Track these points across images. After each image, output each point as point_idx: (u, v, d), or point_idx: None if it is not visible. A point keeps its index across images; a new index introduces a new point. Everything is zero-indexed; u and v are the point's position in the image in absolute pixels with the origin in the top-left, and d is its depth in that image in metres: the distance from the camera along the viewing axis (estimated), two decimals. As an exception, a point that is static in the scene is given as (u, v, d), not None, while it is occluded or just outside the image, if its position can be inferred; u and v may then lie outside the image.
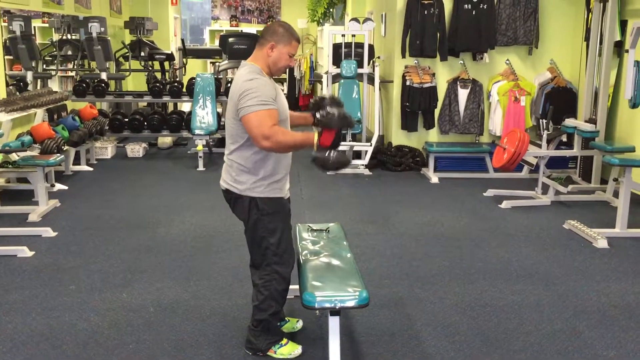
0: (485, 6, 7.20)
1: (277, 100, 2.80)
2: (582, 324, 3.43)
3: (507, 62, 7.35)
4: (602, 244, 4.71)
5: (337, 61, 7.70)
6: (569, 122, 6.35)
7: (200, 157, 7.42)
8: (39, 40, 8.86)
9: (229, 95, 2.88)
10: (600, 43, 6.35)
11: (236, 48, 8.70)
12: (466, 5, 7.22)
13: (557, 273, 4.20)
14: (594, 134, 6.11)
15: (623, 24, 6.36)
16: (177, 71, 10.46)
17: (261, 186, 2.87)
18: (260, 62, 2.86)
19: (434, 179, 6.91)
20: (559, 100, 7.05)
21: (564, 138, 6.93)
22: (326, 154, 2.75)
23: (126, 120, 8.33)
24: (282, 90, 3.09)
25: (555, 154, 6.49)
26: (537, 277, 4.12)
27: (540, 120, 6.74)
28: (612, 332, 3.34)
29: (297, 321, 3.35)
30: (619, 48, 6.40)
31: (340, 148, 2.82)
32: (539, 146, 6.10)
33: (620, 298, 3.79)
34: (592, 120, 6.34)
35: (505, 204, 5.84)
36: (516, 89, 7.23)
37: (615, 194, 5.64)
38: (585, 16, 7.04)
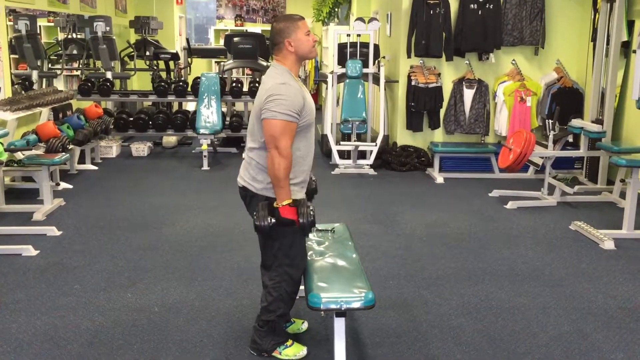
0: (491, 6, 7.17)
1: (305, 107, 2.78)
2: (589, 326, 3.41)
3: (513, 62, 7.32)
4: (609, 245, 4.68)
5: (342, 61, 7.68)
6: (575, 122, 6.32)
7: (205, 156, 7.41)
8: (44, 39, 8.86)
9: (257, 94, 2.86)
10: (607, 43, 6.32)
11: (241, 47, 8.70)
12: (472, 5, 7.20)
13: (563, 275, 4.17)
14: (601, 135, 6.08)
15: (630, 24, 6.32)
16: (182, 70, 10.46)
17: None
18: (287, 62, 2.83)
19: (439, 179, 6.89)
20: (565, 100, 7.01)
21: (570, 138, 6.90)
22: (268, 217, 2.74)
23: (131, 119, 8.33)
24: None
25: (562, 154, 6.46)
26: (543, 279, 4.09)
27: (547, 120, 6.71)
28: (620, 335, 3.32)
29: (303, 322, 3.33)
30: (626, 48, 6.36)
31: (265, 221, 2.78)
32: (545, 147, 6.07)
33: (628, 300, 3.77)
34: (598, 121, 6.31)
35: (510, 205, 5.81)
36: (522, 89, 7.20)
37: (622, 195, 5.60)
38: (592, 16, 7.00)
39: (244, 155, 2.98)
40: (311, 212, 2.77)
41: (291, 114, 2.71)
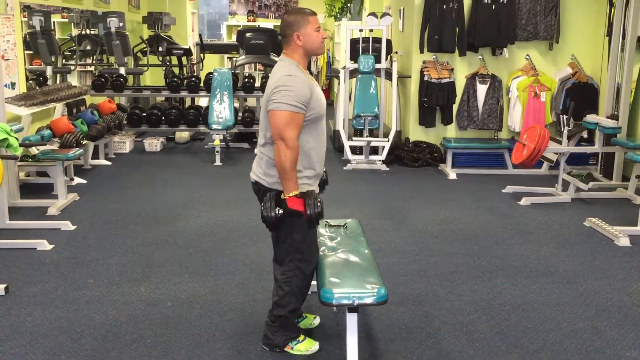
0: (505, 0, 7.11)
1: (313, 98, 2.78)
2: (603, 324, 3.38)
3: (527, 57, 7.26)
4: (624, 242, 4.64)
5: (354, 56, 7.66)
6: (590, 118, 6.26)
7: (217, 151, 7.43)
8: (58, 35, 8.91)
9: (265, 89, 2.86)
10: (623, 38, 6.24)
11: (253, 43, 8.69)
12: (486, 0, 7.15)
13: (577, 271, 4.14)
14: (616, 130, 6.01)
15: (646, 19, 6.24)
16: (195, 66, 10.48)
17: None
18: (295, 55, 2.84)
19: (452, 175, 6.86)
20: (580, 96, 6.95)
21: (585, 134, 6.83)
22: (275, 208, 2.74)
23: (144, 114, 8.37)
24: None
25: (576, 150, 6.41)
26: (557, 275, 4.06)
27: (561, 116, 6.66)
28: (635, 332, 3.29)
29: (315, 317, 3.33)
30: (642, 43, 6.29)
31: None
32: (559, 142, 6.02)
33: (643, 297, 3.73)
34: (614, 116, 6.24)
35: (524, 201, 5.77)
36: (536, 84, 7.14)
37: (637, 191, 5.56)
38: (608, 11, 6.93)
39: (256, 150, 2.98)
40: (319, 204, 2.75)
41: (297, 105, 2.70)
